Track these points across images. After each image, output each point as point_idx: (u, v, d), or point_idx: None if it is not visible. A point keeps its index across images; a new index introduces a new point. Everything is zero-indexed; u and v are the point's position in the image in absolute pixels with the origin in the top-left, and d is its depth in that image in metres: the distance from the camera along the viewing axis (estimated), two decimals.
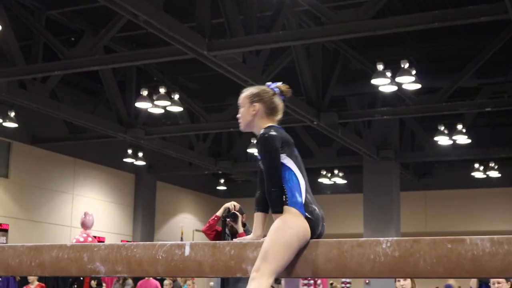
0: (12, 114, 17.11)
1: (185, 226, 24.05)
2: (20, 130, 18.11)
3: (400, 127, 19.93)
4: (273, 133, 3.98)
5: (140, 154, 20.83)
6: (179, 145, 20.14)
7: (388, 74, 14.07)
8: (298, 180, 3.91)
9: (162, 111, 16.38)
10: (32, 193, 19.25)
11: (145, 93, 15.77)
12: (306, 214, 3.84)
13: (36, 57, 14.51)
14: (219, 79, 14.81)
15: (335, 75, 15.80)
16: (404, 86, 14.45)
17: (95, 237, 11.18)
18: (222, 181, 26.68)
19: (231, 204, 7.29)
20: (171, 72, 17.73)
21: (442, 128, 18.38)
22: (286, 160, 3.96)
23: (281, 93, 4.18)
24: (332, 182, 24.64)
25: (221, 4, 11.80)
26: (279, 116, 4.16)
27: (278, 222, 3.77)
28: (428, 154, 20.31)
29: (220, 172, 24.02)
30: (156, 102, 15.92)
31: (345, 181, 24.54)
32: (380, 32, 11.63)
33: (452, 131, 18.36)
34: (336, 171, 24.36)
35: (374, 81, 14.22)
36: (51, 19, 14.92)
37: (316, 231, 3.84)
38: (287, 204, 3.84)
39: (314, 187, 18.12)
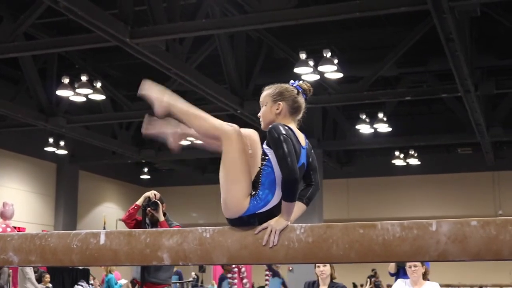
0: None
1: (108, 216, 23.81)
2: None
3: (323, 115, 20.13)
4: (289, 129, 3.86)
5: (62, 143, 20.50)
6: (102, 134, 19.91)
7: (311, 63, 14.21)
8: (273, 194, 3.73)
9: (84, 99, 16.15)
10: None
11: (66, 80, 15.53)
12: (245, 215, 3.66)
13: None
14: (143, 67, 14.68)
15: (259, 64, 15.88)
16: (326, 75, 14.62)
17: (15, 227, 10.98)
18: (146, 170, 26.54)
19: (152, 193, 7.26)
20: (94, 59, 17.50)
21: (364, 116, 18.68)
22: (278, 177, 3.75)
23: (304, 91, 4.06)
24: None
25: None
26: (300, 115, 4.05)
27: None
28: (350, 142, 20.60)
29: (143, 161, 23.87)
30: (78, 90, 15.70)
31: None
32: (303, 21, 11.72)
33: (373, 120, 18.69)
34: None
35: (297, 70, 14.33)
36: None
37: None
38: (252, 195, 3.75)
39: None
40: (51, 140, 20.26)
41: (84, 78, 15.61)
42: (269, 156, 3.78)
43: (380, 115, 18.55)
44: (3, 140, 19.99)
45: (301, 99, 4.04)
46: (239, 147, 3.84)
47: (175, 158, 22.70)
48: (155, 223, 7.15)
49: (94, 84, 15.88)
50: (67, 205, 22.43)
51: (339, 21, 13.11)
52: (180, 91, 17.79)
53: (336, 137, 21.01)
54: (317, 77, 14.55)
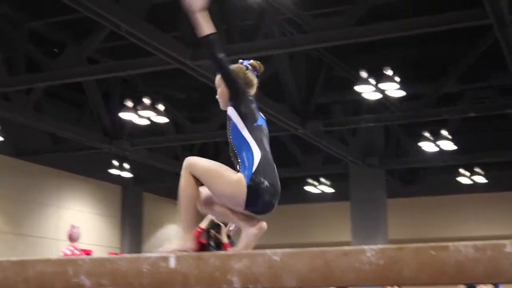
0: None
1: (172, 236, 23.98)
2: (4, 143, 18.01)
3: (385, 134, 19.97)
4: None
5: (126, 166, 20.77)
6: (165, 156, 20.10)
7: (372, 81, 14.13)
8: (251, 149, 4.20)
9: (147, 122, 16.35)
10: (17, 206, 19.14)
11: (129, 104, 15.76)
12: (250, 183, 4.13)
13: (19, 69, 14.46)
14: (204, 88, 14.79)
15: (319, 83, 15.84)
16: (388, 93, 14.52)
17: (82, 250, 11.14)
18: None
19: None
20: (156, 82, 17.70)
21: (427, 134, 18.44)
22: (245, 134, 4.21)
23: (254, 68, 4.44)
24: (319, 191, 24.62)
25: None
26: (253, 90, 4.43)
27: (225, 171, 4.23)
28: (413, 160, 20.35)
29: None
30: (140, 113, 15.90)
31: (331, 189, 24.52)
32: (363, 39, 11.69)
33: (437, 137, 18.43)
34: (322, 179, 24.35)
35: (358, 88, 14.28)
36: (33, 31, 14.88)
37: (254, 203, 4.17)
38: (239, 171, 4.21)
39: (300, 195, 18.09)
40: (115, 162, 20.54)
41: (146, 101, 15.82)
42: (231, 115, 4.27)
43: (444, 132, 18.29)
44: (69, 163, 20.33)
45: (252, 75, 4.43)
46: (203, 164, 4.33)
47: None
48: (219, 245, 7.17)
49: (157, 107, 16.06)
50: (133, 226, 22.65)
51: (399, 38, 13.00)
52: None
53: (399, 156, 20.78)
54: (379, 95, 14.47)
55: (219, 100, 4.46)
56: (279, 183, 4.35)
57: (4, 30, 14.00)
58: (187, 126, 18.13)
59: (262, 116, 4.39)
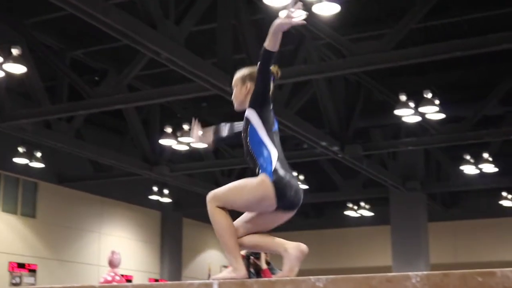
0: (39, 154, 17.23)
1: (212, 263, 23.97)
2: (47, 170, 18.22)
3: (426, 157, 19.80)
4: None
5: (166, 191, 20.84)
6: (205, 181, 20.13)
7: (412, 104, 14.03)
8: (268, 150, 4.23)
9: (186, 148, 16.41)
10: (59, 232, 19.31)
11: (169, 130, 15.84)
12: (274, 178, 4.15)
13: (61, 97, 14.65)
14: (243, 114, 14.84)
15: (358, 107, 15.80)
16: (428, 116, 14.39)
17: (122, 275, 11.16)
18: None
19: None
20: (195, 108, 17.78)
21: (468, 157, 18.23)
22: (264, 137, 4.27)
23: (271, 74, 4.40)
24: (359, 215, 24.46)
25: (242, 40, 11.86)
26: (270, 94, 4.38)
27: (246, 180, 4.23)
28: (454, 184, 20.11)
29: None
30: (180, 139, 15.97)
31: (371, 214, 24.35)
32: (402, 63, 11.63)
33: (478, 160, 18.22)
34: (362, 204, 24.19)
35: (397, 112, 14.18)
36: (75, 59, 15.10)
37: (283, 196, 4.18)
38: (260, 172, 4.23)
39: (340, 220, 17.99)
40: (155, 188, 20.64)
41: (186, 127, 15.88)
42: (250, 118, 4.31)
43: (485, 155, 18.07)
44: (109, 190, 20.49)
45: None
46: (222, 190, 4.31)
47: None
48: (258, 271, 7.12)
49: None
50: (172, 252, 22.67)
51: (438, 60, 12.92)
52: (280, 136, 17.86)
53: (440, 179, 20.57)
54: (418, 118, 14.36)
55: (234, 101, 4.51)
56: (297, 182, 4.35)
57: (46, 60, 14.19)
58: (226, 151, 18.16)
59: (276, 119, 4.46)
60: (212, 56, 12.43)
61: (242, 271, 4.22)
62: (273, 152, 4.23)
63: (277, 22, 4.14)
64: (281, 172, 4.20)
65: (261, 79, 4.28)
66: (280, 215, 4.34)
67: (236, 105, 4.51)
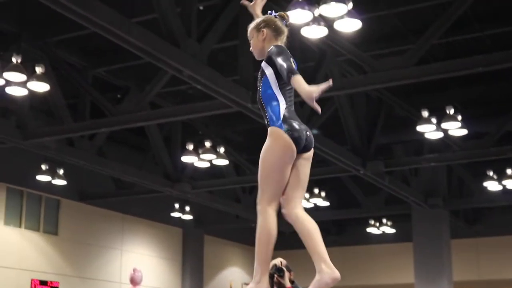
0: (61, 171, 17.35)
1: (234, 280, 23.97)
2: (69, 187, 18.33)
3: (448, 173, 19.72)
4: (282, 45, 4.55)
5: (187, 208, 20.89)
6: (226, 198, 20.16)
7: (434, 120, 14.02)
8: (278, 101, 4.40)
9: (208, 164, 16.47)
10: (81, 249, 19.40)
11: (190, 147, 15.91)
12: (286, 127, 4.32)
13: (84, 115, 14.76)
14: (264, 131, 14.89)
15: (380, 123, 15.79)
16: (450, 132, 14.37)
17: None
18: None
19: (278, 261, 7.27)
20: (216, 125, 17.86)
21: (491, 173, 18.16)
22: (276, 90, 4.44)
23: (282, 18, 4.66)
24: (381, 232, 24.36)
25: None
26: (284, 38, 4.64)
27: (263, 150, 4.39)
28: (477, 200, 20.01)
29: None
30: (202, 156, 16.04)
31: (393, 230, 24.24)
32: (424, 78, 11.63)
33: (501, 176, 18.14)
34: (384, 220, 24.10)
35: (419, 128, 14.18)
36: (97, 77, 15.22)
37: (301, 141, 4.35)
38: (269, 125, 4.39)
39: (362, 237, 17.93)
40: (176, 205, 20.70)
41: (207, 144, 15.96)
42: (267, 73, 4.44)
43: (509, 171, 17.99)
44: (131, 207, 20.57)
45: (281, 23, 4.63)
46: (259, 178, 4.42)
47: None
48: None
49: (217, 150, 16.19)
50: (194, 270, 22.68)
51: (460, 76, 12.91)
52: None
53: (463, 196, 20.47)
54: (440, 134, 14.35)
55: (254, 52, 4.68)
56: (307, 131, 4.48)
57: (69, 77, 14.33)
58: (247, 168, 18.20)
59: (295, 63, 4.56)
60: (233, 73, 12.49)
61: (264, 285, 4.23)
62: (282, 104, 4.39)
63: (308, 89, 4.12)
64: (290, 119, 4.36)
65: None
66: (303, 159, 4.45)
67: (257, 55, 4.69)
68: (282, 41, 4.62)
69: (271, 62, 4.45)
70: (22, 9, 12.25)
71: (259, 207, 4.34)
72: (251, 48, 4.67)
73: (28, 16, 12.63)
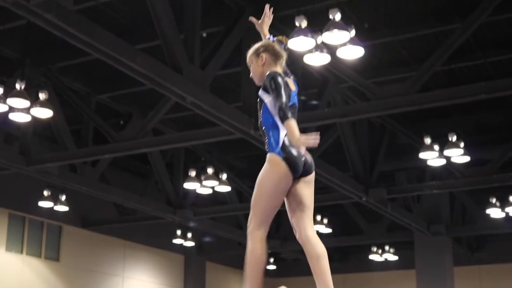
0: (63, 197, 17.32)
1: None
2: (71, 213, 18.29)
3: (451, 200, 19.67)
4: (279, 72, 4.58)
5: (189, 235, 20.83)
6: (228, 225, 20.10)
7: (436, 147, 14.01)
8: (278, 129, 4.47)
9: (210, 191, 16.45)
10: (83, 276, 19.31)
11: (193, 174, 15.91)
12: (284, 155, 4.40)
13: (86, 141, 14.79)
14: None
15: (382, 150, 15.78)
16: (453, 159, 14.35)
17: None
18: (271, 260, 26.45)
19: None
20: (219, 152, 17.86)
21: (494, 200, 18.11)
22: (272, 108, 4.52)
23: (280, 42, 4.71)
24: (383, 259, 24.28)
25: None
26: (283, 62, 4.72)
27: (260, 174, 4.45)
28: (480, 227, 19.94)
29: (269, 251, 23.85)
30: (204, 183, 16.02)
31: (396, 258, 24.16)
32: (426, 106, 11.63)
33: (504, 203, 18.08)
34: (386, 247, 24.03)
35: (422, 155, 14.16)
36: (100, 103, 15.26)
37: (298, 168, 4.43)
38: (268, 151, 4.49)
39: (364, 264, 17.82)
40: (178, 232, 20.64)
41: (210, 171, 15.95)
42: (265, 101, 4.52)
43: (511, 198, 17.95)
44: (133, 233, 20.52)
45: (279, 47, 4.70)
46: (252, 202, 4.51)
47: (300, 248, 22.52)
48: None
49: (220, 176, 16.18)
50: None
51: (462, 103, 12.93)
52: None
53: (466, 223, 20.41)
54: (443, 161, 14.32)
55: (253, 78, 4.74)
56: (306, 156, 4.54)
57: (72, 103, 14.36)
58: (250, 195, 18.15)
59: (293, 91, 4.61)
60: (236, 99, 12.51)
61: None
62: (282, 131, 4.45)
63: (297, 138, 4.29)
64: (288, 146, 4.42)
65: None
66: (304, 182, 4.54)
67: (257, 80, 4.79)
68: (281, 65, 4.70)
69: (267, 91, 4.52)
70: (26, 36, 12.30)
71: (248, 230, 4.48)
72: (251, 75, 4.74)
73: (32, 43, 12.67)
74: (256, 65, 4.72)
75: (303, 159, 4.46)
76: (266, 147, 4.54)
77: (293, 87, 4.64)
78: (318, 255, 4.38)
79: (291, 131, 4.27)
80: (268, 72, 4.54)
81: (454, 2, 11.48)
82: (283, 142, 4.43)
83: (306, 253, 4.42)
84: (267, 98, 4.54)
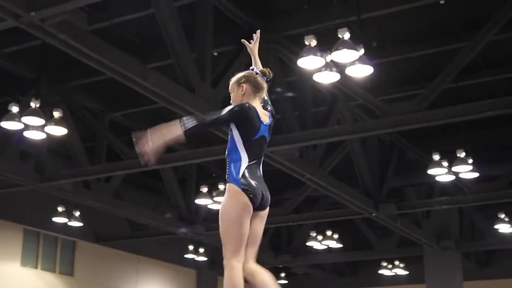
0: (77, 213, 17.38)
1: None
2: (85, 228, 18.35)
3: (460, 216, 19.59)
4: (252, 106, 4.59)
5: (201, 250, 20.81)
6: None
7: (445, 163, 13.99)
8: (241, 159, 4.52)
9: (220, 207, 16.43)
10: None
11: (205, 190, 15.94)
12: (243, 187, 4.44)
13: (100, 158, 14.82)
14: (277, 174, 14.86)
15: (392, 166, 15.77)
16: (461, 175, 14.32)
17: None
18: (282, 275, 26.35)
19: None
20: None
21: (503, 215, 18.05)
22: (240, 146, 4.53)
23: (263, 74, 4.78)
24: (393, 274, 24.19)
25: (277, 99, 11.96)
26: (262, 94, 4.76)
27: (222, 205, 4.54)
28: (489, 242, 19.82)
29: (280, 265, 23.77)
30: (215, 198, 16.03)
31: (406, 272, 24.05)
32: (435, 123, 11.62)
33: None
34: (397, 262, 23.95)
35: (430, 171, 14.14)
36: (113, 121, 15.30)
37: (256, 200, 4.47)
38: (228, 181, 4.53)
39: (375, 279, 17.72)
40: (191, 247, 20.63)
41: (221, 187, 15.95)
42: (233, 132, 4.55)
43: None
44: (145, 248, 20.53)
45: (261, 79, 4.75)
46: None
47: (311, 263, 22.50)
48: None
49: None
50: None
51: (471, 120, 12.90)
52: (314, 196, 17.86)
53: (475, 238, 20.30)
54: (452, 177, 14.29)
55: (233, 104, 4.71)
56: (263, 190, 4.59)
57: (86, 121, 14.42)
58: None
59: (265, 124, 4.63)
60: None
61: None
62: (244, 162, 4.51)
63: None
64: (248, 178, 4.48)
65: (215, 125, 4.72)
66: (259, 217, 4.60)
67: None
68: (260, 97, 4.74)
69: (236, 122, 4.56)
70: (41, 55, 12.38)
71: (224, 262, 4.49)
72: (231, 101, 4.76)
73: (46, 62, 12.75)
74: (237, 94, 4.76)
75: (260, 191, 4.51)
76: (226, 175, 4.59)
77: (266, 119, 4.67)
78: (263, 281, 4.46)
79: (168, 128, 4.46)
80: (236, 106, 4.58)
81: (462, 20, 11.48)
82: (244, 173, 4.49)
83: (254, 283, 4.49)
84: (234, 130, 4.58)
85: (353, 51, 9.33)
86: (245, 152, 4.52)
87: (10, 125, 11.78)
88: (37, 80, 13.00)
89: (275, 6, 11.38)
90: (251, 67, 4.85)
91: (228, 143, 4.61)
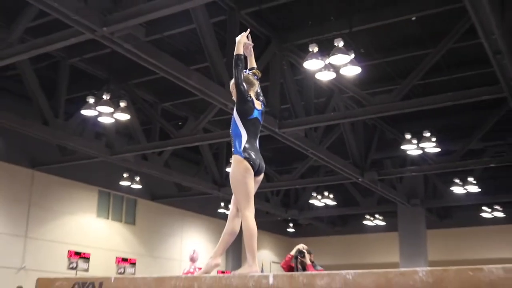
0: (138, 178, 17.46)
1: (264, 260, 23.83)
2: (143, 190, 18.43)
3: (425, 181, 19.50)
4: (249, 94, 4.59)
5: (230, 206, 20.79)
6: (258, 199, 20.07)
7: (414, 141, 13.88)
8: (241, 135, 4.45)
9: None
10: (152, 236, 19.45)
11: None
12: (245, 155, 4.39)
13: (154, 137, 14.85)
14: (288, 149, 14.85)
15: (374, 144, 15.68)
16: (426, 150, 14.21)
17: (200, 268, 11.18)
18: (291, 225, 26.46)
19: (301, 246, 7.25)
20: None
21: (457, 180, 17.93)
22: (240, 125, 4.49)
23: (254, 74, 4.78)
24: (374, 224, 24.19)
25: (287, 94, 11.94)
26: (255, 88, 4.72)
27: (231, 172, 4.44)
28: (447, 200, 19.74)
29: (289, 218, 23.84)
30: None
31: (384, 223, 24.04)
32: (407, 110, 11.53)
33: (465, 183, 17.89)
34: (377, 216, 23.93)
35: (403, 147, 14.04)
36: (164, 109, 15.31)
37: (255, 166, 4.42)
38: (233, 153, 4.45)
39: (360, 228, 17.64)
40: (222, 204, 20.67)
41: None
42: (234, 115, 4.50)
43: (470, 179, 17.75)
44: (188, 205, 20.60)
45: (252, 78, 4.73)
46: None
47: (313, 216, 22.50)
48: (304, 267, 7.08)
49: None
50: (234, 250, 22.50)
51: (435, 108, 12.78)
52: (315, 165, 17.81)
53: (436, 197, 20.22)
54: (419, 151, 14.18)
55: (233, 98, 4.66)
56: (260, 160, 4.53)
57: (144, 110, 14.44)
58: (274, 176, 18.15)
59: (258, 109, 4.60)
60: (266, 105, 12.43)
61: (255, 267, 4.31)
62: (244, 139, 4.44)
63: (238, 38, 4.63)
64: (249, 150, 4.42)
65: (235, 78, 4.55)
66: (255, 181, 4.53)
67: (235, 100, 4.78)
68: (254, 91, 4.69)
69: (236, 103, 4.55)
70: (110, 60, 12.38)
71: (240, 213, 4.43)
72: (233, 97, 4.69)
73: (114, 65, 12.76)
74: (234, 94, 4.70)
75: (258, 161, 4.46)
76: (232, 149, 4.52)
77: (259, 106, 4.65)
78: (251, 232, 4.37)
79: (237, 47, 4.58)
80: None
81: (428, 32, 11.34)
82: (244, 147, 4.43)
83: (243, 229, 4.41)
84: (234, 112, 4.54)
85: (346, 56, 9.25)
86: (244, 129, 4.47)
87: (88, 113, 11.84)
88: (107, 79, 13.02)
89: (287, 22, 11.29)
90: (244, 70, 4.75)
91: (231, 123, 4.54)
